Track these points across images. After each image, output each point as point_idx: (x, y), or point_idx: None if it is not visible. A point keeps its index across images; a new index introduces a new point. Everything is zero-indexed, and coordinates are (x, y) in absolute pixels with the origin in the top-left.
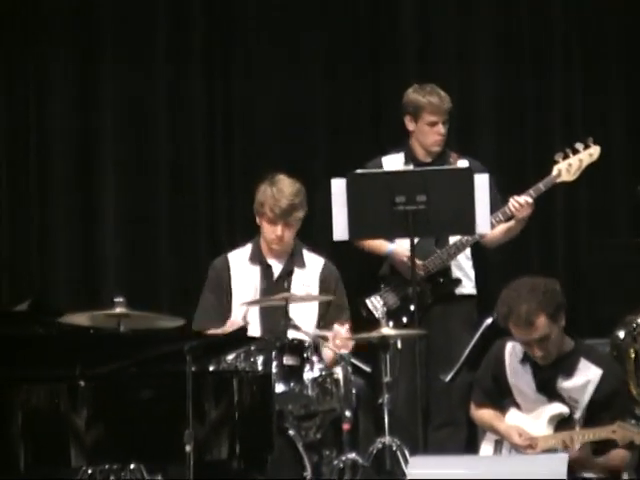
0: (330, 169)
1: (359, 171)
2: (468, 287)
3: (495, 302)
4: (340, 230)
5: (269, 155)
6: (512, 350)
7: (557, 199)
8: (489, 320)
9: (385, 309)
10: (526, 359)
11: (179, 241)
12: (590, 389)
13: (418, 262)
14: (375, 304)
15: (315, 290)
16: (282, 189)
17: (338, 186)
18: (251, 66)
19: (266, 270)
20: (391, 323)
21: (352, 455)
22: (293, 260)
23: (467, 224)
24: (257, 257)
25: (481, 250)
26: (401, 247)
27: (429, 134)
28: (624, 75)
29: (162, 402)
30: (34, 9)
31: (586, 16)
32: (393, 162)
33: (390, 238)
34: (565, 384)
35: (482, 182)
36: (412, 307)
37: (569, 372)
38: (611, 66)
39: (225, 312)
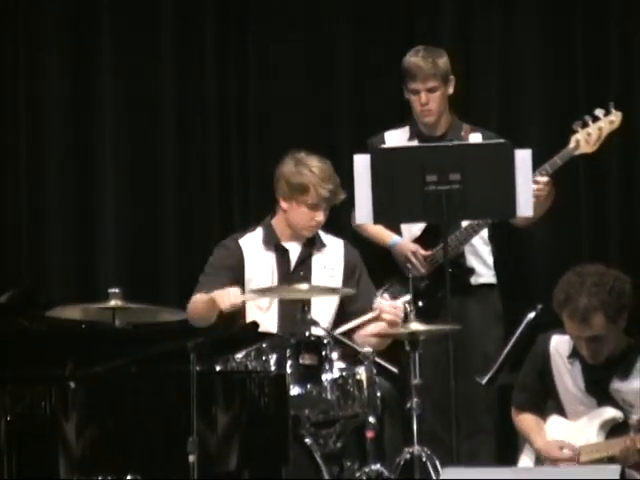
0: (353, 145)
1: (385, 146)
2: (486, 276)
3: (524, 291)
4: (364, 213)
5: (285, 135)
6: (558, 345)
7: (612, 171)
8: (531, 315)
9: None
10: (575, 355)
11: (187, 227)
12: None
13: (423, 252)
14: (381, 300)
15: (339, 273)
16: (323, 170)
17: (361, 163)
18: (266, 42)
19: (283, 255)
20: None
21: (377, 466)
22: (311, 242)
23: (507, 206)
24: (272, 241)
25: (500, 232)
26: (405, 239)
27: (414, 103)
28: None
29: (163, 406)
30: None
31: None
32: (397, 138)
33: (421, 222)
34: (619, 386)
35: (524, 158)
36: (420, 303)
37: (625, 373)
38: None
39: None
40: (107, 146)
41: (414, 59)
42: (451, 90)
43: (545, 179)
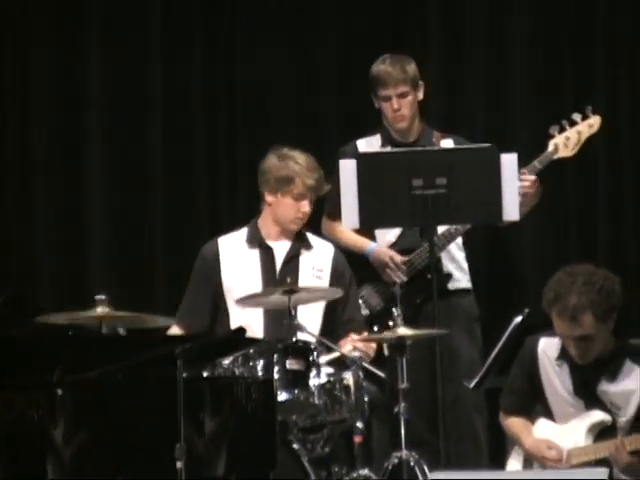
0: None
1: (369, 151)
2: (463, 280)
3: (511, 295)
4: (351, 218)
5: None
6: (547, 347)
7: (599, 173)
8: (518, 319)
9: (368, 312)
10: (563, 356)
11: (175, 230)
12: (636, 397)
13: (401, 258)
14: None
15: (327, 275)
16: (308, 161)
17: (348, 168)
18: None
19: (267, 253)
20: (375, 327)
21: (365, 471)
22: (298, 242)
23: (493, 210)
24: (255, 240)
25: (474, 239)
26: (382, 246)
27: (386, 110)
28: None
29: (150, 412)
30: None
31: None
32: (369, 145)
33: (407, 226)
34: (607, 388)
35: (510, 162)
36: (399, 309)
37: (612, 375)
38: None
39: (212, 310)
40: (95, 147)
41: (383, 66)
42: (421, 95)
43: (532, 177)
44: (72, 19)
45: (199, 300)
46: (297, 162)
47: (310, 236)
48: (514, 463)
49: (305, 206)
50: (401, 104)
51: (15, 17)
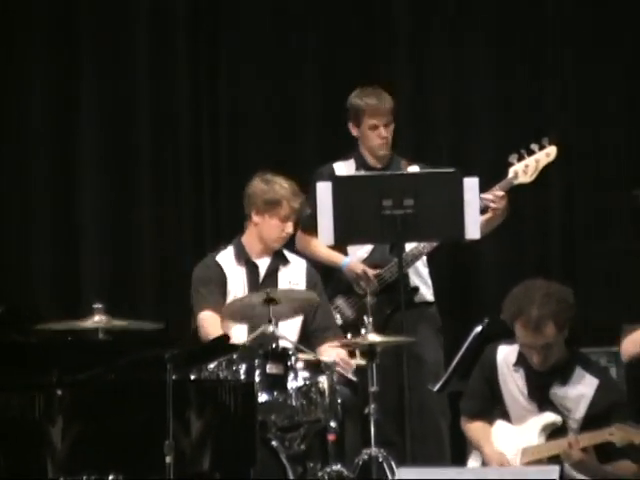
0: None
1: (345, 174)
2: (427, 294)
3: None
4: (326, 235)
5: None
6: (504, 354)
7: (552, 203)
8: (478, 328)
9: (342, 322)
10: (520, 363)
11: (162, 245)
12: (586, 401)
13: (372, 272)
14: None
15: (302, 288)
16: (292, 186)
17: (324, 189)
18: (238, 63)
19: (252, 270)
20: (349, 335)
21: (337, 467)
22: (277, 258)
23: (456, 229)
24: (242, 257)
25: (437, 257)
26: (355, 259)
27: (372, 138)
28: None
29: (142, 411)
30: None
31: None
32: (344, 169)
33: (377, 243)
34: (558, 391)
35: (471, 185)
36: (370, 318)
37: (564, 380)
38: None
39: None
40: (87, 162)
41: (368, 99)
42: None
43: (501, 193)
44: (65, 40)
45: (215, 293)
46: (282, 186)
47: (286, 252)
48: (473, 463)
49: (289, 227)
50: (387, 132)
51: (13, 32)
